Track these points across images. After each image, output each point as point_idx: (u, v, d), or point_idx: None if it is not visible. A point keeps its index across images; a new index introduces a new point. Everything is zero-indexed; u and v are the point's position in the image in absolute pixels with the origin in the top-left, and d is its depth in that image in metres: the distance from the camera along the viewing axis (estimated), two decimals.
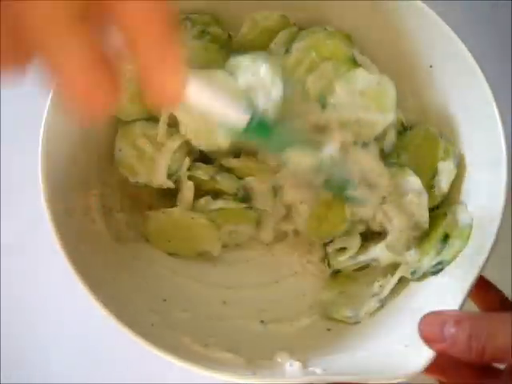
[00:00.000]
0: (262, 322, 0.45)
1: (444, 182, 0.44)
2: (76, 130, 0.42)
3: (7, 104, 0.56)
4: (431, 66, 0.45)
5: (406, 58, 0.46)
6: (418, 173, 0.44)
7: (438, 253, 0.42)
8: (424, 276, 0.43)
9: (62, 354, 0.50)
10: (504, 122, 0.40)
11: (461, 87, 0.43)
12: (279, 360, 0.39)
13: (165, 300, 0.44)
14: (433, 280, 0.42)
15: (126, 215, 0.47)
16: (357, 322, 0.43)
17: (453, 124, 0.44)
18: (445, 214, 0.43)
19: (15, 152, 0.54)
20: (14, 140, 0.55)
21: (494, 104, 0.40)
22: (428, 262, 0.42)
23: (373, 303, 0.44)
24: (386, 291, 0.44)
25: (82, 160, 0.43)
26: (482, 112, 0.41)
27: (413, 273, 0.43)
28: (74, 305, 0.49)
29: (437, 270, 0.42)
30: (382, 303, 0.44)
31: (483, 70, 0.41)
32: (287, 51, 0.46)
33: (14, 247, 0.53)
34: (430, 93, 0.46)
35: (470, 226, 0.41)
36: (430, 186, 0.44)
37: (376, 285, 0.45)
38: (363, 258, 0.46)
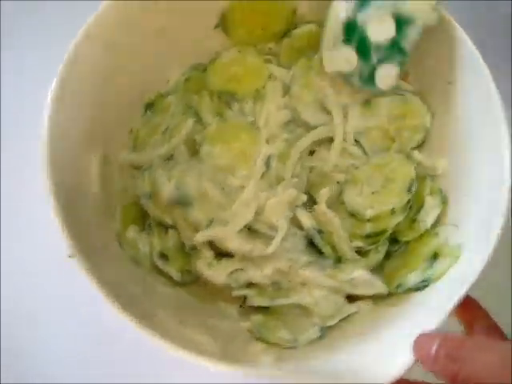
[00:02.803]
0: (241, 307, 0.46)
1: (430, 217, 0.44)
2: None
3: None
4: (450, 83, 0.44)
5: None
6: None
7: (425, 270, 0.42)
8: (408, 291, 0.43)
9: (62, 354, 0.50)
10: None
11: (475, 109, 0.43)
12: (253, 350, 0.40)
13: (150, 274, 0.44)
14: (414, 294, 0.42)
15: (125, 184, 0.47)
16: (293, 347, 0.42)
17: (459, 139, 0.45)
18: (436, 234, 0.44)
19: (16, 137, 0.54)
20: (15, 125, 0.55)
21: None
22: (414, 278, 0.42)
23: (313, 331, 0.43)
24: (331, 322, 0.43)
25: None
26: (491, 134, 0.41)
27: (397, 287, 0.43)
28: (74, 305, 0.50)
29: (422, 286, 0.42)
30: (324, 332, 0.43)
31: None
32: None
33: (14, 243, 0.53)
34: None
35: (460, 247, 0.41)
36: (413, 220, 0.45)
37: (316, 319, 0.43)
38: (283, 301, 0.44)
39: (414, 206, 0.46)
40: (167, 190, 0.44)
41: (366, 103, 0.47)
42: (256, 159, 0.46)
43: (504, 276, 0.50)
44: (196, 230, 0.44)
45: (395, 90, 0.47)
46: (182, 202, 0.44)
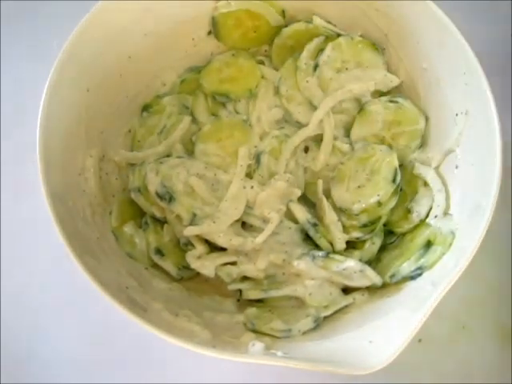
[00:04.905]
0: (238, 301, 0.46)
1: (424, 208, 0.45)
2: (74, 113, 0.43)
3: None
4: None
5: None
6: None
7: (419, 259, 0.42)
8: (403, 280, 0.42)
9: (62, 354, 0.51)
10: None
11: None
12: (244, 339, 0.40)
13: (147, 269, 0.46)
14: (408, 283, 0.42)
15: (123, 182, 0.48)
16: (287, 337, 0.42)
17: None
18: (430, 223, 0.44)
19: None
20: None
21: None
22: (408, 267, 0.42)
23: (307, 322, 0.43)
24: (326, 313, 0.43)
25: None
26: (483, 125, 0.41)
27: (391, 276, 0.43)
28: (74, 305, 0.51)
29: (416, 274, 0.42)
30: (318, 323, 0.43)
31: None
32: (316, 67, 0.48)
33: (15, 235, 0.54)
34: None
35: (453, 234, 0.40)
36: (408, 210, 0.45)
37: (311, 309, 0.43)
38: (274, 293, 0.44)
39: (408, 197, 0.46)
40: (154, 184, 0.45)
41: (361, 111, 0.47)
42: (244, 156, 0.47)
43: (504, 276, 0.49)
44: (185, 224, 0.45)
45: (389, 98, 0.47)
46: (166, 197, 0.45)
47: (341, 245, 0.45)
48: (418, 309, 0.36)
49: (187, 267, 0.46)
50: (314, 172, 0.49)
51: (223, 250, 0.46)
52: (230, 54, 0.50)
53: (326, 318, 0.43)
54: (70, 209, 0.41)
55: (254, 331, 0.42)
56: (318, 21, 0.48)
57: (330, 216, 0.45)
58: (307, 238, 0.46)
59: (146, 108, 0.50)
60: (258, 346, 0.38)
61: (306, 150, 0.49)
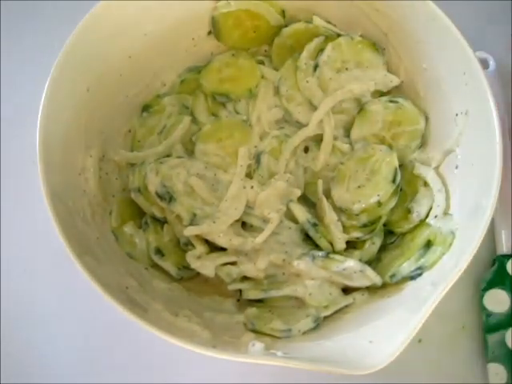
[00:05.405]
0: (238, 301, 0.46)
1: (424, 208, 0.45)
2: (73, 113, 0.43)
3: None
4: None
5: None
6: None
7: (419, 259, 0.42)
8: (403, 280, 0.43)
9: (62, 354, 0.51)
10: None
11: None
12: (244, 340, 0.40)
13: (146, 269, 0.46)
14: (408, 283, 0.42)
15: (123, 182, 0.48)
16: (287, 337, 0.42)
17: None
18: (430, 223, 0.44)
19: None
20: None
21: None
22: (408, 267, 0.42)
23: (307, 322, 0.43)
24: (326, 313, 0.43)
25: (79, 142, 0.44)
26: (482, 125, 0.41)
27: (391, 276, 0.43)
28: (74, 305, 0.51)
29: (416, 274, 0.42)
30: (318, 323, 0.43)
31: None
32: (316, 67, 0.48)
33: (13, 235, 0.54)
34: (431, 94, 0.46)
35: (453, 234, 0.41)
36: (408, 210, 0.46)
37: (311, 309, 0.43)
38: (274, 293, 0.44)
39: (408, 197, 0.46)
40: (154, 184, 0.45)
41: (361, 111, 0.48)
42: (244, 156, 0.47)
43: None
44: (185, 224, 0.45)
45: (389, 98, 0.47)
46: (166, 197, 0.45)
47: (341, 245, 0.45)
48: (418, 309, 0.36)
49: (187, 267, 0.46)
50: (314, 172, 0.49)
51: (223, 249, 0.46)
52: (230, 54, 0.50)
53: (326, 317, 0.43)
54: (69, 209, 0.41)
55: (254, 331, 0.42)
56: (318, 21, 0.48)
57: (330, 216, 0.45)
58: (307, 238, 0.46)
59: (146, 108, 0.50)
60: (257, 345, 0.38)
61: (306, 150, 0.50)
